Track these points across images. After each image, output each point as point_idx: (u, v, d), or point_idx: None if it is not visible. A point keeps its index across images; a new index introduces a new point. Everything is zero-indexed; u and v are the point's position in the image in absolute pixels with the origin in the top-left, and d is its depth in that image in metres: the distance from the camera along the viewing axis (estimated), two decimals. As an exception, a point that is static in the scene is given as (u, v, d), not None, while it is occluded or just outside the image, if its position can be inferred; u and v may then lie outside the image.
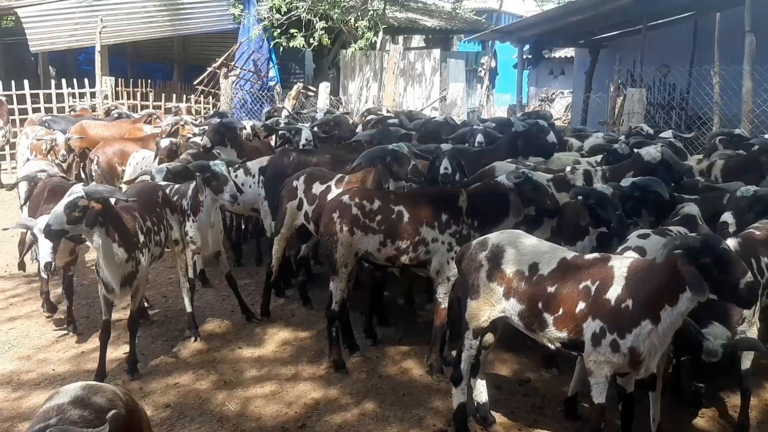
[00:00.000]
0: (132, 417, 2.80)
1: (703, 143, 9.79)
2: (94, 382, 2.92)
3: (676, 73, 14.81)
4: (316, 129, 8.32)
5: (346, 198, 5.41)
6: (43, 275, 6.22)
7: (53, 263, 5.54)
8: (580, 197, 5.14)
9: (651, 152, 6.06)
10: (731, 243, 4.73)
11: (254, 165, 7.59)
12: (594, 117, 15.73)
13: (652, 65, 14.84)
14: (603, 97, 14.07)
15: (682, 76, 14.57)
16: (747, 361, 4.68)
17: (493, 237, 4.47)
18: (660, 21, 15.77)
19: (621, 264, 3.97)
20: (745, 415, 4.66)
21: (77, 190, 4.82)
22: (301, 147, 7.41)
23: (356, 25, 18.06)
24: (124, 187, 7.36)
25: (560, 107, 25.19)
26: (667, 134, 8.74)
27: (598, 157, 7.27)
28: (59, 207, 4.79)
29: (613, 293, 3.86)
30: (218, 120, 8.13)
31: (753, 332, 4.64)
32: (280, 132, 8.91)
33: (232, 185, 5.96)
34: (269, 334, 6.35)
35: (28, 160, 10.93)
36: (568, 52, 24.07)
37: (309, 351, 5.96)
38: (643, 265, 3.89)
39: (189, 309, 6.24)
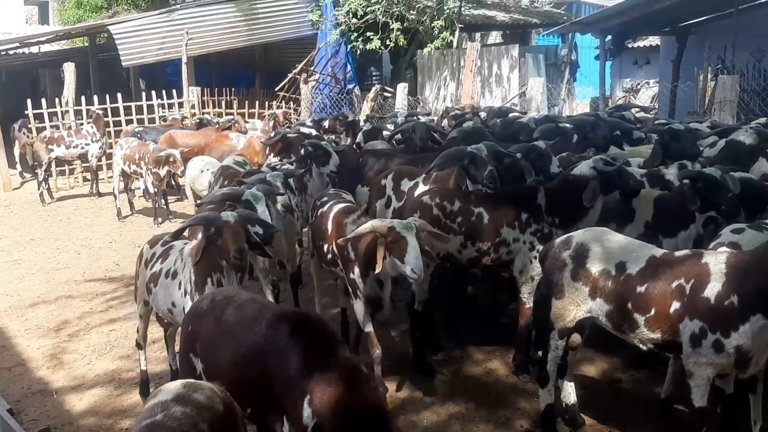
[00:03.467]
0: (229, 413, 2.91)
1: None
2: (194, 380, 3.06)
3: (772, 57, 14.02)
4: (398, 136, 8.33)
5: (426, 198, 5.42)
6: None
7: None
8: (687, 180, 4.96)
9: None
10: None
11: None
12: (683, 107, 15.05)
13: (745, 50, 14.08)
14: (692, 86, 13.47)
15: (779, 59, 13.78)
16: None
17: (578, 235, 4.37)
18: (752, 3, 14.94)
19: (717, 260, 3.78)
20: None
21: None
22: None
23: (432, 24, 18.03)
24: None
25: (646, 98, 24.27)
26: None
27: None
28: None
29: (713, 290, 3.68)
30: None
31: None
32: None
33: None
34: (352, 334, 6.44)
35: (122, 170, 11.60)
36: (653, 40, 23.17)
37: (394, 350, 6.00)
38: (747, 258, 3.69)
39: None
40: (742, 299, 3.58)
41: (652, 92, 23.83)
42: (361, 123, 10.66)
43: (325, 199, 5.77)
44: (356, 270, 4.88)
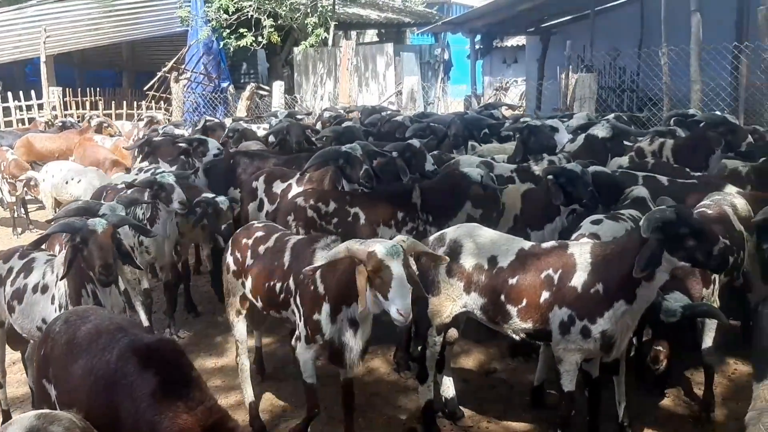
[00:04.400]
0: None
1: (656, 124, 9.91)
2: (50, 411, 2.77)
3: (625, 56, 15.01)
4: (271, 138, 8.15)
5: (300, 200, 5.32)
6: None
7: None
8: (551, 177, 5.17)
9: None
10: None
11: None
12: (548, 104, 15.87)
13: (602, 49, 15.02)
14: (555, 84, 14.20)
15: (632, 58, 14.78)
16: (708, 338, 4.73)
17: (451, 232, 4.43)
18: (608, 5, 15.97)
19: (582, 250, 3.96)
20: (709, 393, 4.71)
21: None
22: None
23: (306, 22, 17.90)
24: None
25: (515, 95, 25.36)
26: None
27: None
28: None
29: (579, 279, 3.85)
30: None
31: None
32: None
33: (180, 193, 5.78)
34: (231, 342, 6.22)
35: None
36: (520, 40, 24.26)
37: (274, 357, 5.85)
38: (610, 248, 3.88)
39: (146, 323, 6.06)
40: (606, 287, 3.76)
41: (521, 90, 24.95)
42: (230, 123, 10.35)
43: (263, 231, 4.66)
44: (325, 308, 3.94)
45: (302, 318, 4.06)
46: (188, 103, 17.45)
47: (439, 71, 21.42)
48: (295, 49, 19.22)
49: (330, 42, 19.37)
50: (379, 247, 3.51)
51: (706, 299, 4.61)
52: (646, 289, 3.70)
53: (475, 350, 5.75)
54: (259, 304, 4.49)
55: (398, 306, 3.41)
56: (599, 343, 3.82)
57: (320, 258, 3.92)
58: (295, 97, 17.61)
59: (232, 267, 4.63)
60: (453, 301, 4.29)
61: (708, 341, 4.73)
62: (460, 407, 4.73)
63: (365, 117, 10.53)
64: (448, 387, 4.70)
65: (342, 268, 3.75)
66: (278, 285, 4.26)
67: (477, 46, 18.30)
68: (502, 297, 4.09)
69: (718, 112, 8.29)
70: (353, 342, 3.85)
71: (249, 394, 4.73)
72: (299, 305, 4.10)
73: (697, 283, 4.48)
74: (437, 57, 22.17)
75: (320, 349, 4.02)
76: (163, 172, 6.06)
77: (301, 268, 4.01)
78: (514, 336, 4.20)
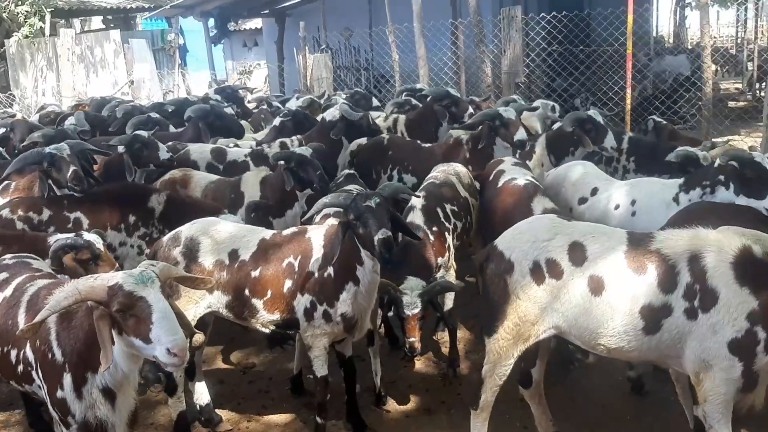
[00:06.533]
0: None
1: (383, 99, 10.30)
2: None
3: (357, 36, 15.53)
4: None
5: (6, 212, 4.62)
6: None
7: None
8: (281, 162, 5.07)
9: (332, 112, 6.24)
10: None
11: None
12: (291, 85, 15.91)
13: (335, 30, 15.37)
14: (293, 66, 14.27)
15: (363, 38, 15.32)
16: (449, 301, 5.06)
17: (186, 229, 4.14)
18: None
19: (318, 233, 3.93)
20: (454, 351, 5.04)
21: None
22: None
23: (17, 10, 15.96)
24: None
25: (259, 79, 25.14)
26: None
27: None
28: None
29: (315, 265, 3.82)
30: None
31: (451, 275, 5.01)
32: None
33: None
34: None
35: None
36: (258, 22, 24.00)
37: None
38: (334, 228, 3.86)
39: None
40: (335, 270, 3.77)
41: (264, 73, 24.79)
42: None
43: (5, 273, 3.52)
44: (67, 380, 2.93)
45: (47, 396, 3.05)
46: None
47: (175, 57, 20.40)
48: (7, 42, 17.02)
49: (47, 32, 17.46)
50: (123, 276, 2.74)
51: (443, 266, 4.90)
52: (364, 271, 3.73)
53: (231, 348, 5.52)
54: None
55: (168, 344, 2.62)
56: (342, 326, 3.84)
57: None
58: (11, 94, 15.62)
59: None
60: (195, 303, 4.02)
61: (449, 304, 5.05)
62: (217, 411, 4.49)
63: (94, 109, 9.63)
64: (202, 393, 4.43)
65: (78, 322, 2.86)
66: (13, 353, 3.19)
67: (211, 30, 17.70)
68: (247, 291, 3.93)
69: (444, 87, 8.85)
70: (113, 417, 2.94)
71: None
72: (42, 380, 3.07)
73: (433, 254, 4.73)
74: (171, 43, 21.09)
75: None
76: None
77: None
78: (263, 329, 4.07)
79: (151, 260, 3.05)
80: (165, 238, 4.19)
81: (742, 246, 3.09)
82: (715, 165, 4.48)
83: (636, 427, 4.24)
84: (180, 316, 2.90)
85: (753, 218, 4.05)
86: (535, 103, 8.20)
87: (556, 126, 6.23)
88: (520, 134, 5.73)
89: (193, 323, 4.01)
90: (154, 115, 7.47)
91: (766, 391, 3.20)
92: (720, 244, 3.13)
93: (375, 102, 9.66)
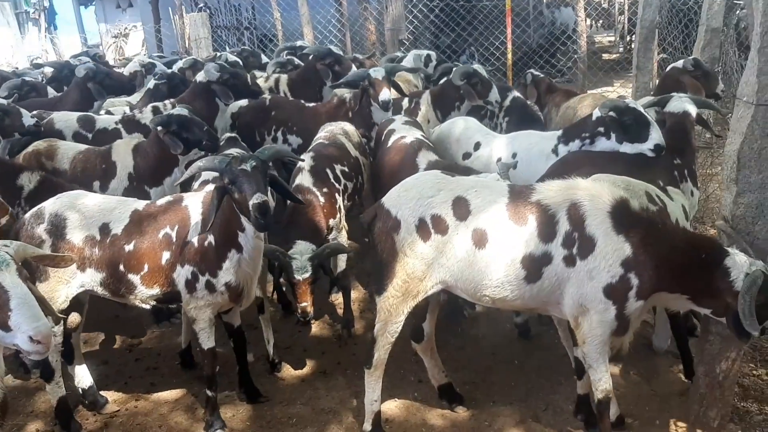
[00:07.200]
0: None
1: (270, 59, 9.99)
2: None
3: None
4: None
5: None
6: None
7: None
8: (160, 127, 4.77)
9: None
10: (306, 157, 4.91)
11: None
12: (169, 48, 15.11)
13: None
14: (170, 27, 13.55)
15: (242, -3, 14.75)
16: (342, 263, 5.02)
17: (49, 205, 3.84)
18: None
19: (195, 201, 3.75)
20: (349, 311, 5.02)
21: None
22: None
23: None
24: None
25: (136, 42, 23.78)
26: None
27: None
28: None
29: (194, 234, 3.64)
30: None
31: (343, 236, 4.96)
32: None
33: None
34: None
35: None
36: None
37: None
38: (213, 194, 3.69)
39: None
40: (216, 238, 3.61)
41: (141, 36, 23.46)
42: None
43: None
44: None
45: None
46: None
47: (41, 21, 18.95)
48: None
49: None
50: None
51: (335, 227, 4.83)
52: (245, 238, 3.58)
53: (116, 326, 5.25)
54: None
55: (29, 331, 2.45)
56: (227, 295, 3.70)
57: None
58: None
59: None
60: (66, 283, 3.75)
61: (342, 266, 5.01)
62: (102, 393, 4.26)
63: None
64: (83, 376, 4.18)
65: None
66: None
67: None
68: (122, 267, 3.71)
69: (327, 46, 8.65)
70: None
71: None
72: None
73: (323, 216, 4.64)
74: (36, 5, 19.55)
75: None
76: None
77: None
78: (143, 305, 3.86)
79: (3, 241, 2.74)
80: (27, 216, 3.86)
81: (619, 197, 3.20)
82: (593, 117, 4.61)
83: (524, 370, 4.39)
84: (41, 301, 2.66)
85: (625, 164, 4.22)
86: (409, 55, 8.19)
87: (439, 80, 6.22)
88: (384, 95, 5.66)
89: (66, 304, 3.79)
90: (29, 78, 6.85)
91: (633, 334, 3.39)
92: (597, 194, 3.23)
93: (265, 59, 9.33)
